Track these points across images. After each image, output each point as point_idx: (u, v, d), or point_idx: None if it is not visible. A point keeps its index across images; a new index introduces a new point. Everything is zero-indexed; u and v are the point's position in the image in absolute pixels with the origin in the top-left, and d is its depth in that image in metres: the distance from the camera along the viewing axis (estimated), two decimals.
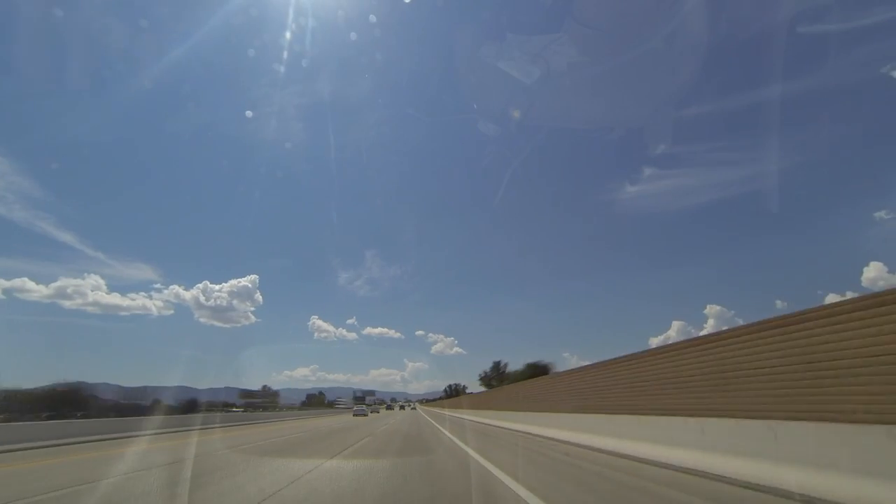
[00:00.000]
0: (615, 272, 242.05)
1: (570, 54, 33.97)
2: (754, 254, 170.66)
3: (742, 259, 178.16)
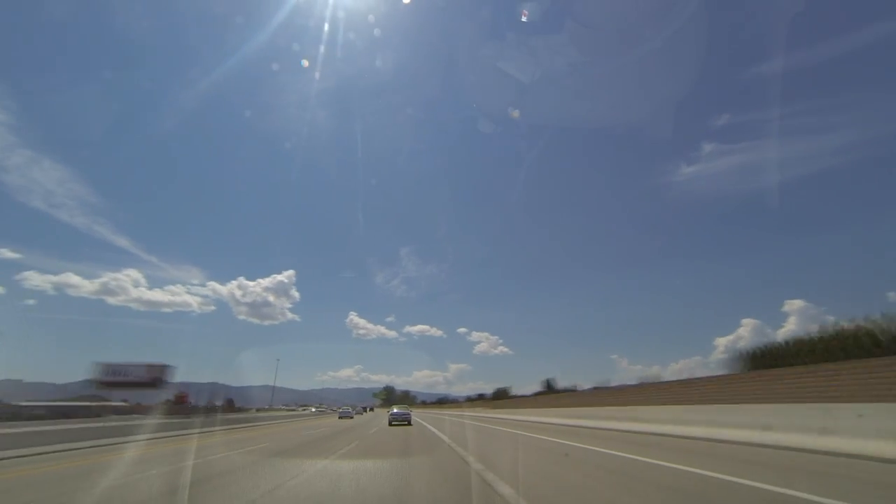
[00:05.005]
0: (672, 264, 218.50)
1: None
2: (853, 236, 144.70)
3: (836, 244, 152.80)
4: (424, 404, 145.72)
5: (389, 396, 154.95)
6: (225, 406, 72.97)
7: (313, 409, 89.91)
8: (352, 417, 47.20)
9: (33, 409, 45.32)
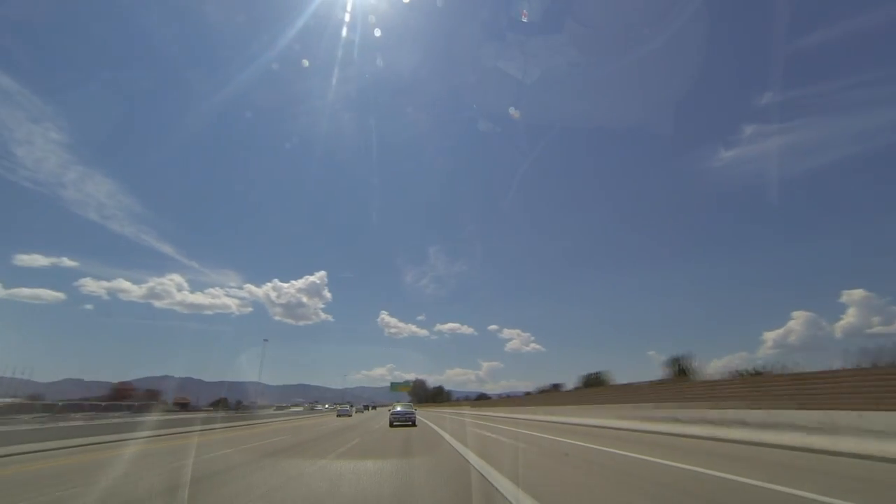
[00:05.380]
0: (713, 254, 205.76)
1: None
2: None
3: None
4: (459, 402, 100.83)
5: (417, 393, 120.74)
6: (237, 405, 75.11)
7: (327, 406, 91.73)
8: (350, 416, 47.90)
9: (90, 405, 49.36)
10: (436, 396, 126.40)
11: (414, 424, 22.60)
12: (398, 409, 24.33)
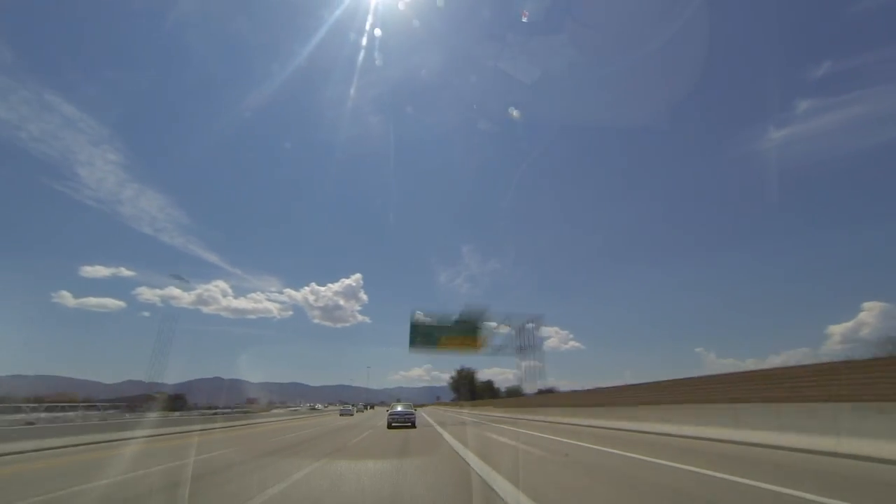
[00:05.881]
0: (769, 244, 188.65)
1: None
2: None
3: None
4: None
5: (471, 385, 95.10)
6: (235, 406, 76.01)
7: (349, 406, 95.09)
8: (352, 415, 51.48)
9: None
10: (484, 392, 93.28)
11: (413, 426, 21.62)
12: (398, 409, 23.75)
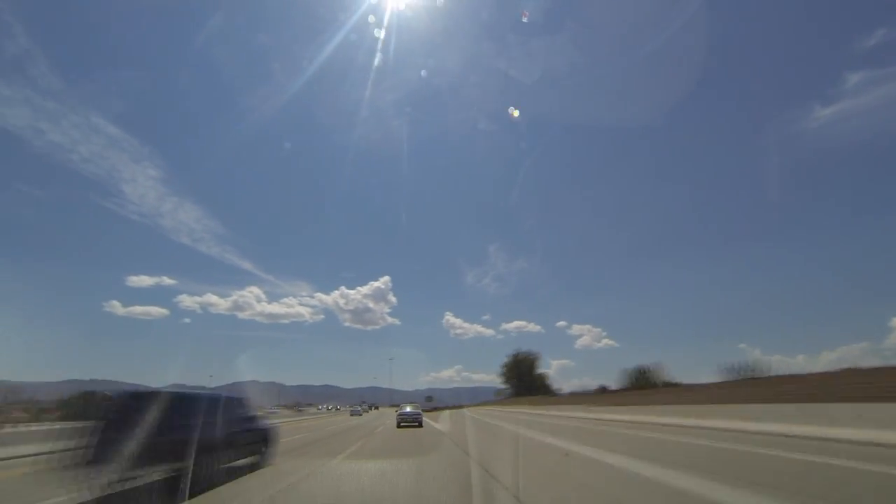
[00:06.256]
0: (818, 229, 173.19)
1: None
2: None
3: None
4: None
5: (523, 378, 76.40)
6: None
7: (369, 408, 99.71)
8: (360, 415, 53.97)
9: None
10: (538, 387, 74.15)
11: (420, 425, 23.65)
12: (407, 409, 25.68)
